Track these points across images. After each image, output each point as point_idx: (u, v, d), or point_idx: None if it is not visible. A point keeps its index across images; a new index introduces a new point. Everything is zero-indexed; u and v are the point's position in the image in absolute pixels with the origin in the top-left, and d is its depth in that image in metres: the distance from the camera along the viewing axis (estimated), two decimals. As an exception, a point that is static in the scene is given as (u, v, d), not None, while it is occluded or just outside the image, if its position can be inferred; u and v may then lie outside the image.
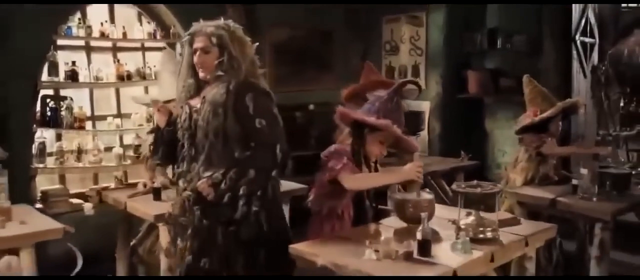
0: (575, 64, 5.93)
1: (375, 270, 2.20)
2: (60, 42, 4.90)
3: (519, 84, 5.62)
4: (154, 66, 5.32)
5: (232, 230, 2.62)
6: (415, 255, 2.31)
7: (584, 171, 3.46)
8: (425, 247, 2.32)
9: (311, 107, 6.19)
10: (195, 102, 2.75)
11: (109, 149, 5.12)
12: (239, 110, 2.61)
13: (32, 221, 2.97)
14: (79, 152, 4.94)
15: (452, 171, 4.91)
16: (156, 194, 3.36)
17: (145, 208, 3.21)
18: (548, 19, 5.80)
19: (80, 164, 4.93)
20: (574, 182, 3.58)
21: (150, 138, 3.04)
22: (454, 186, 2.66)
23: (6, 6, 4.39)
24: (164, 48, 4.94)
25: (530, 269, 2.79)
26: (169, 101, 3.64)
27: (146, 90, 5.44)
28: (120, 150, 5.13)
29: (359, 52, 6.65)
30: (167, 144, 2.92)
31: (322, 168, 2.98)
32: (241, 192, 2.57)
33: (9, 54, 4.42)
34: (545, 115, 4.00)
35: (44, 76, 4.79)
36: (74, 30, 4.91)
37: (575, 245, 4.24)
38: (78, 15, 5.02)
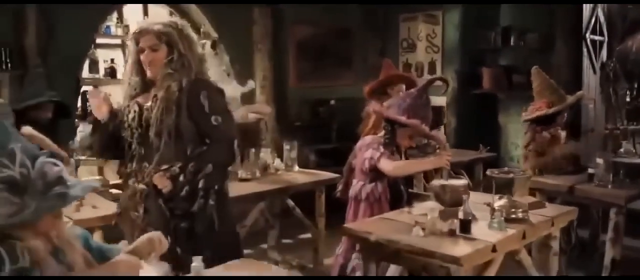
0: (586, 61, 6.26)
1: (425, 244, 2.55)
2: (98, 40, 5.24)
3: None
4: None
5: (188, 223, 2.62)
6: (458, 232, 2.66)
7: (599, 161, 3.81)
8: (466, 225, 2.67)
9: (332, 102, 6.52)
10: (144, 100, 2.70)
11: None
12: (194, 108, 2.62)
13: (101, 205, 3.31)
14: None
15: (471, 162, 5.25)
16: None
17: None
18: (560, 18, 6.13)
19: (119, 156, 5.26)
20: (590, 170, 3.92)
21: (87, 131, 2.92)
22: (488, 172, 3.01)
23: (53, 6, 4.71)
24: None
25: (555, 247, 3.14)
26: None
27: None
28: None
29: (377, 49, 6.98)
30: (103, 137, 2.78)
31: (357, 157, 3.36)
32: (200, 185, 2.57)
33: (55, 52, 4.75)
34: (557, 108, 4.29)
35: (85, 73, 5.12)
36: (113, 29, 5.24)
37: (589, 231, 4.59)
38: (115, 14, 5.35)
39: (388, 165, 3.14)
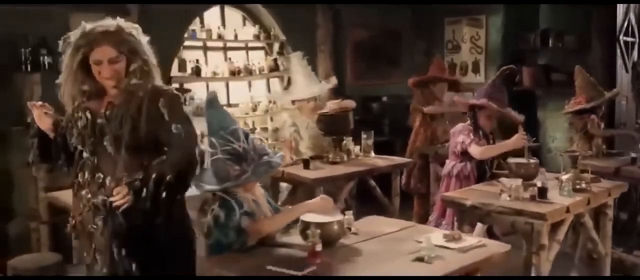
0: (619, 61, 7.01)
1: (514, 205, 3.30)
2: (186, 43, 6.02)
3: (569, 78, 6.76)
4: (258, 63, 6.45)
5: (149, 235, 2.54)
6: (537, 198, 3.40)
7: (642, 146, 4.57)
8: (543, 192, 3.42)
9: (384, 98, 7.27)
10: (97, 107, 2.60)
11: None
12: (153, 116, 2.51)
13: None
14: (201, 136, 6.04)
15: (521, 151, 5.96)
16: (306, 164, 4.45)
17: (304, 174, 4.29)
18: (595, 21, 6.87)
19: (202, 146, 6.03)
20: (632, 154, 4.67)
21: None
22: (558, 153, 3.76)
23: (150, 12, 5.47)
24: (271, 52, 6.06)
25: (610, 214, 3.89)
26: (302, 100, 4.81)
27: (249, 84, 6.58)
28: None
29: (423, 50, 7.73)
30: (48, 147, 2.70)
31: (449, 141, 4.13)
32: (162, 196, 2.43)
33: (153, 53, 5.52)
34: (596, 102, 5.03)
35: (174, 72, 5.89)
36: (198, 33, 6.02)
37: (628, 212, 5.33)
38: (198, 20, 6.13)
39: (476, 150, 3.92)
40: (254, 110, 6.42)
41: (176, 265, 2.61)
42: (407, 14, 7.60)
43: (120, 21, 2.60)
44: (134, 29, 2.64)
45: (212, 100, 2.70)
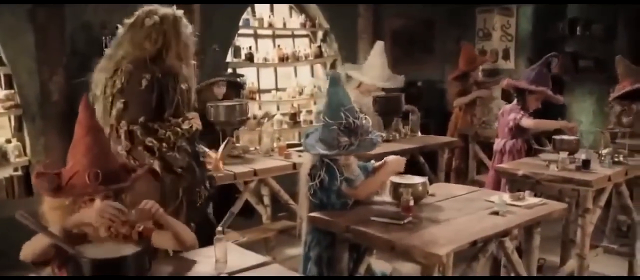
0: (644, 49, 7.49)
1: (560, 174, 3.83)
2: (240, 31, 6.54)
3: (596, 65, 7.28)
4: (304, 50, 6.97)
5: None
6: (582, 169, 3.92)
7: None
8: (587, 164, 3.94)
9: (419, 83, 7.79)
10: None
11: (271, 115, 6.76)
12: None
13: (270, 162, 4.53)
14: (253, 118, 6.57)
15: (554, 132, 6.49)
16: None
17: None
18: (622, 10, 7.36)
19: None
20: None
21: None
22: (599, 129, 4.28)
23: (210, 5, 5.99)
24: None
25: (644, 186, 4.43)
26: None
27: (295, 70, 7.11)
28: (280, 117, 6.77)
29: (455, 38, 8.22)
30: None
31: (500, 120, 4.65)
32: None
33: (211, 41, 6.03)
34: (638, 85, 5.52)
35: (229, 57, 6.41)
36: (251, 22, 6.54)
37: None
38: (249, 9, 6.64)
39: (530, 122, 4.46)
40: (300, 94, 6.94)
41: None
42: (440, 4, 8.09)
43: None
44: None
45: (335, 80, 3.13)
